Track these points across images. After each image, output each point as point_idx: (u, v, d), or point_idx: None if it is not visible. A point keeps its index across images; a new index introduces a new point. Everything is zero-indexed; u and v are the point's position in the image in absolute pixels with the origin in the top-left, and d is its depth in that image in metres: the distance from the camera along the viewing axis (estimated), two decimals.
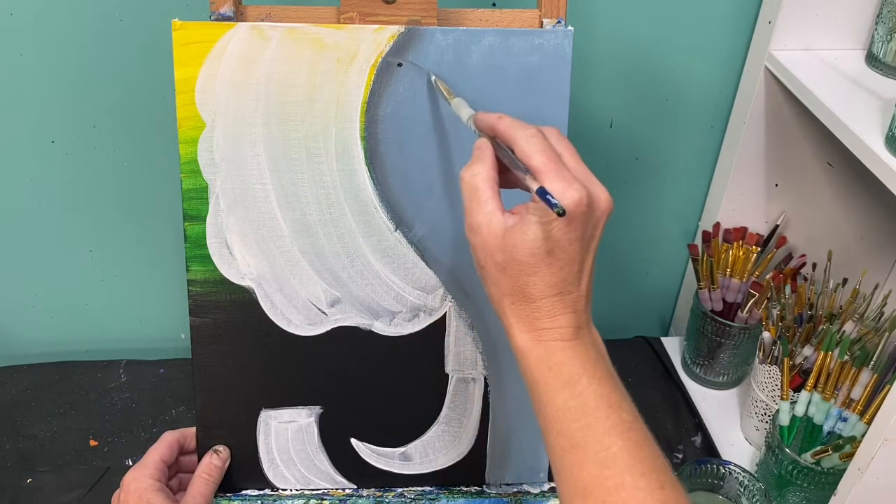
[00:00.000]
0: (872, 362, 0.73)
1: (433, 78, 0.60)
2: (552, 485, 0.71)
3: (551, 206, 0.45)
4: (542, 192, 0.46)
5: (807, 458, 0.74)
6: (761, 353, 0.84)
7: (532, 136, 0.48)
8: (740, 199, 0.91)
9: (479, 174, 0.49)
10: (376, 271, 0.65)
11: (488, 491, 0.70)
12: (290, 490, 0.69)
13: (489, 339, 0.67)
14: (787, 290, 0.86)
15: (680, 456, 0.87)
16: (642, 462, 0.45)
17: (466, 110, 0.55)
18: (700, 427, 0.90)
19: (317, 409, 0.68)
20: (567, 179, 0.46)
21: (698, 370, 0.95)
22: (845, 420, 0.74)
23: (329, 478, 0.69)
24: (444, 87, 0.59)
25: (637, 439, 0.46)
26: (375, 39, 0.60)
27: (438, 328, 0.66)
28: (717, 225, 0.92)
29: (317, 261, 0.64)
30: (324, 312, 0.65)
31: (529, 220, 0.47)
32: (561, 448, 0.47)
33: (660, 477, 0.45)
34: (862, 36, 0.80)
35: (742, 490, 0.77)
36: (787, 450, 0.75)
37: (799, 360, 0.80)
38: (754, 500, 0.76)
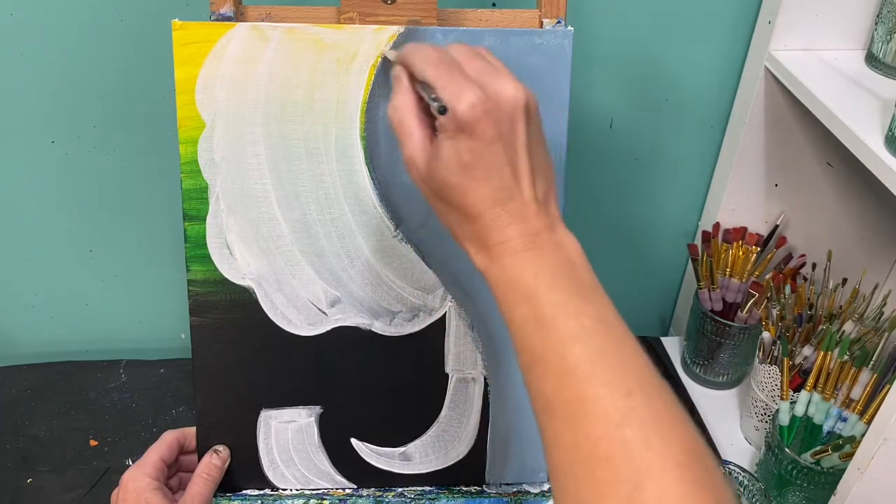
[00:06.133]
0: (872, 362, 0.73)
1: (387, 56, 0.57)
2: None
3: (434, 107, 0.44)
4: (430, 100, 0.44)
5: (807, 458, 0.74)
6: (761, 353, 0.84)
7: (426, 53, 0.47)
8: (740, 199, 0.91)
9: (398, 107, 0.48)
10: (376, 271, 0.65)
11: (488, 491, 0.70)
12: (290, 490, 0.69)
13: (489, 339, 0.67)
14: (787, 290, 0.86)
15: None
16: (605, 370, 0.42)
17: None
18: (700, 427, 0.90)
19: (317, 409, 0.68)
20: (459, 83, 0.44)
21: (698, 370, 0.95)
22: (845, 420, 0.74)
23: (329, 478, 0.69)
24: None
25: (599, 345, 0.43)
26: (375, 40, 0.60)
27: (438, 328, 0.66)
28: (716, 225, 0.92)
29: (317, 261, 0.64)
30: (324, 312, 0.65)
31: (439, 140, 0.46)
32: (525, 364, 0.45)
33: (626, 383, 0.42)
34: (862, 36, 0.80)
35: (742, 490, 0.77)
36: (787, 450, 0.75)
37: (799, 360, 0.80)
38: (754, 500, 0.76)
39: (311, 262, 0.64)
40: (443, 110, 0.44)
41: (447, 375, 0.68)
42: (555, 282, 0.45)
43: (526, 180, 0.46)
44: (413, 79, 0.48)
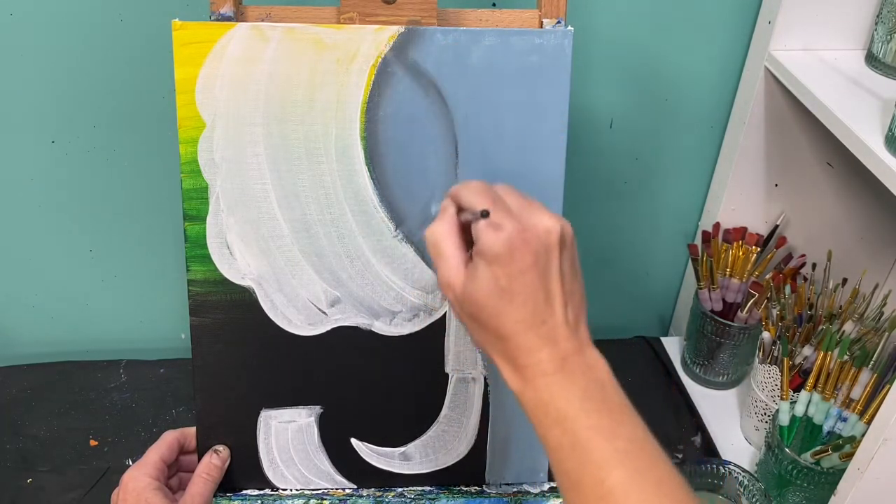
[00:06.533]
0: (872, 362, 0.73)
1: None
2: (552, 485, 0.71)
3: (477, 213, 0.47)
4: (473, 216, 0.48)
5: (807, 458, 0.74)
6: (761, 353, 0.84)
7: (473, 186, 0.50)
8: (740, 199, 0.91)
9: (437, 231, 0.51)
10: (376, 271, 0.65)
11: (488, 491, 0.70)
12: (290, 490, 0.69)
13: None
14: (787, 290, 0.86)
15: (680, 456, 0.87)
16: (642, 492, 0.44)
17: None
18: (700, 427, 0.90)
19: (317, 409, 0.68)
20: (500, 214, 0.48)
21: (698, 370, 0.95)
22: (845, 420, 0.74)
23: (329, 478, 0.69)
24: None
25: (635, 466, 0.45)
26: (375, 39, 0.60)
27: (438, 328, 0.66)
28: (716, 225, 0.92)
29: (317, 261, 0.64)
30: (324, 312, 0.65)
31: (477, 264, 0.48)
32: (563, 486, 0.47)
33: (662, 502, 0.44)
34: (862, 36, 0.80)
35: (742, 490, 0.77)
36: (787, 450, 0.75)
37: (799, 360, 0.80)
38: (754, 500, 0.76)
39: (311, 262, 0.64)
40: (485, 214, 0.47)
41: (447, 375, 0.68)
42: (585, 405, 0.47)
43: (558, 304, 0.48)
44: (459, 210, 0.51)
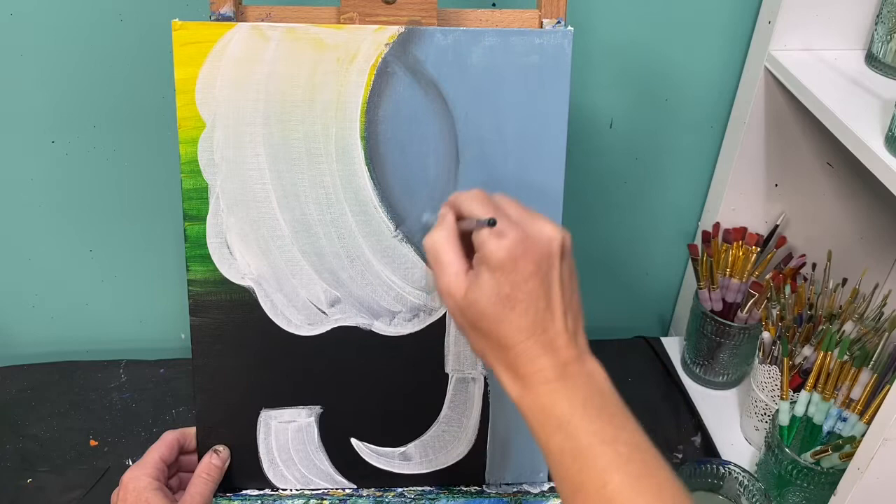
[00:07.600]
0: (872, 362, 0.73)
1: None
2: (552, 485, 0.71)
3: (483, 222, 0.48)
4: (478, 224, 0.48)
5: (806, 458, 0.74)
6: (761, 353, 0.84)
7: (473, 195, 0.51)
8: (740, 199, 0.91)
9: (437, 239, 0.51)
10: (376, 271, 0.65)
11: (488, 491, 0.70)
12: (290, 490, 0.69)
13: None
14: (787, 290, 0.86)
15: (680, 456, 0.87)
16: (643, 495, 0.45)
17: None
18: (700, 427, 0.90)
19: (317, 409, 0.68)
20: (503, 222, 0.48)
21: (698, 370, 0.95)
22: (845, 420, 0.74)
23: (329, 478, 0.69)
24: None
25: (636, 471, 0.46)
26: (375, 40, 0.60)
27: (438, 328, 0.66)
28: (716, 225, 0.92)
29: (317, 261, 0.64)
30: (324, 312, 0.65)
31: (480, 272, 0.48)
32: (565, 493, 0.47)
33: None
34: (862, 36, 0.80)
35: (742, 490, 0.77)
36: (787, 450, 0.75)
37: (799, 360, 0.80)
38: (754, 500, 0.76)
39: (310, 262, 0.64)
40: (492, 222, 0.47)
41: (447, 375, 0.68)
42: (587, 411, 0.47)
43: (559, 313, 0.49)
44: (457, 219, 0.52)
